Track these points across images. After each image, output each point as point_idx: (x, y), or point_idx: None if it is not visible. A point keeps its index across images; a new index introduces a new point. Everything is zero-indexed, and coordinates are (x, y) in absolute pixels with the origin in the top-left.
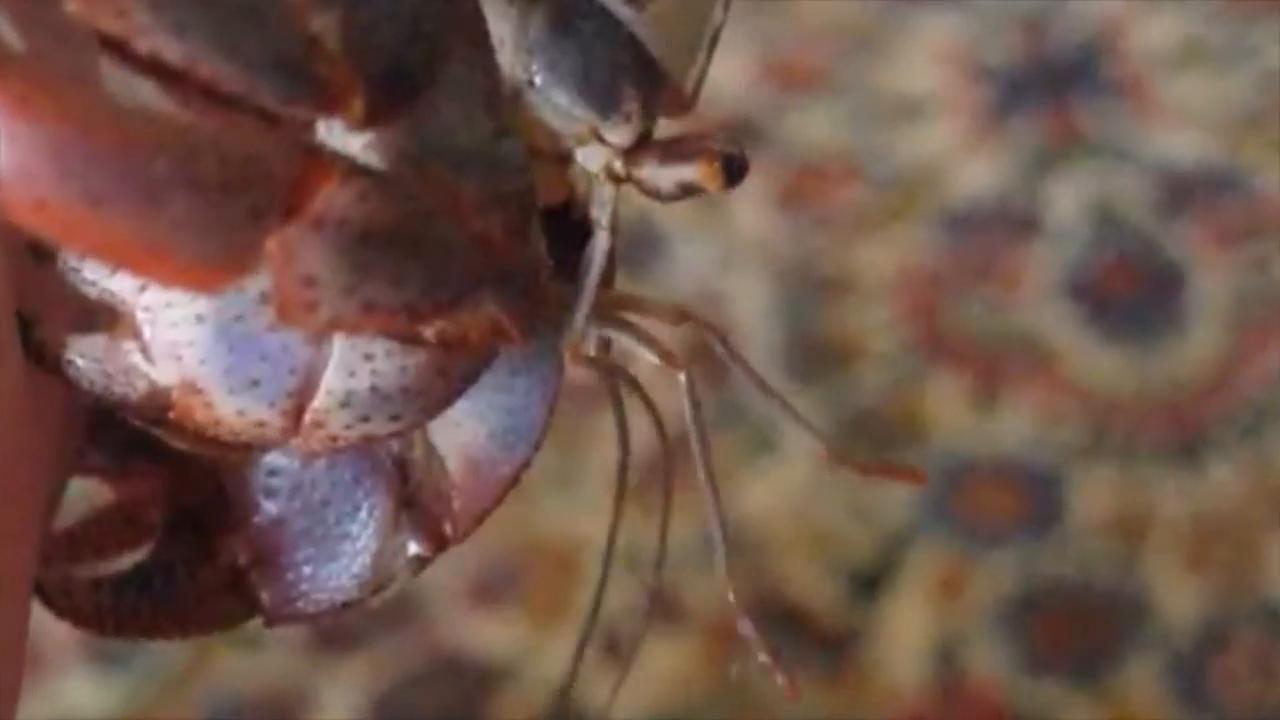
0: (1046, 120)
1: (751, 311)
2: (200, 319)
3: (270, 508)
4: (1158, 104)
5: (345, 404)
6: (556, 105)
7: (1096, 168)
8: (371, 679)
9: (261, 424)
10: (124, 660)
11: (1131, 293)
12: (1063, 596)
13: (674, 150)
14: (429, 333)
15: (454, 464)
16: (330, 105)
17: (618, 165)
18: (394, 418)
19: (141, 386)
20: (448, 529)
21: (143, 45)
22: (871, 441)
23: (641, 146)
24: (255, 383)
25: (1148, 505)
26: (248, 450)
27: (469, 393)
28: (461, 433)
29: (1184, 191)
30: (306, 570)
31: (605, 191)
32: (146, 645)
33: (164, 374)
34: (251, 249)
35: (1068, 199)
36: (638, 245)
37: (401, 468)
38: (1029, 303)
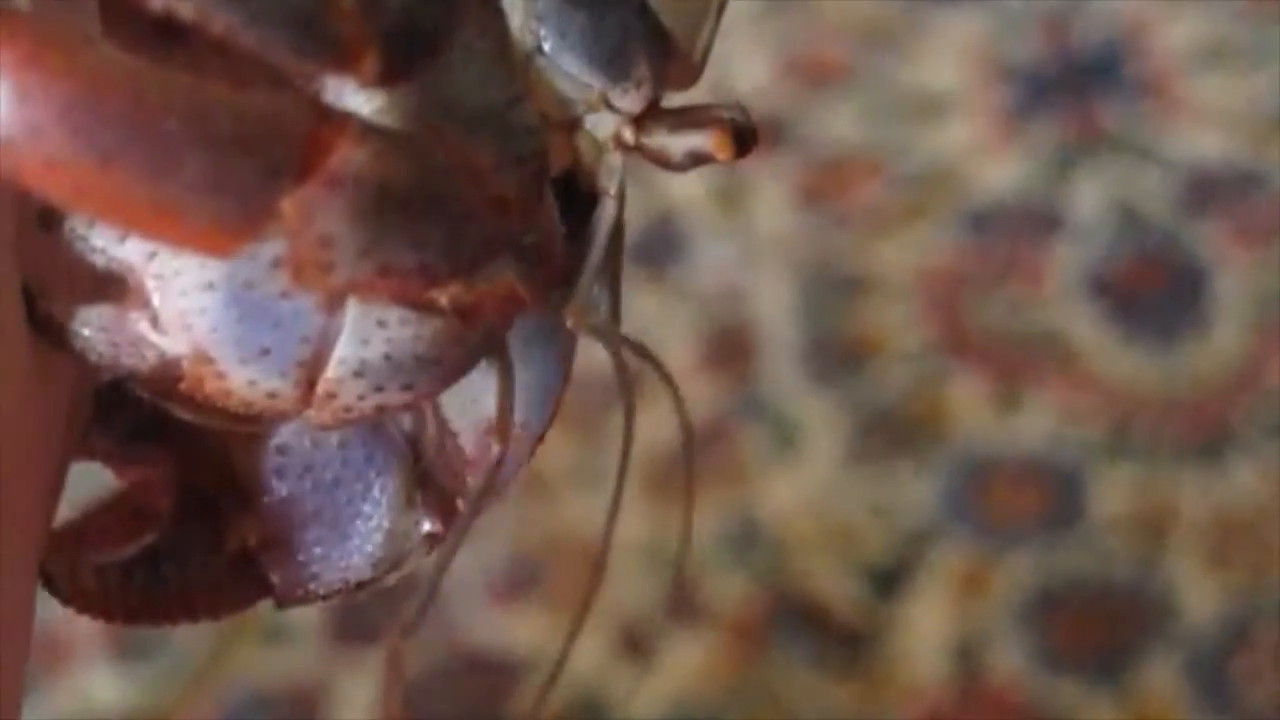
0: (1069, 119)
1: (773, 310)
2: (211, 286)
3: (281, 488)
4: (1181, 103)
5: (359, 373)
6: (565, 72)
7: (1119, 166)
8: None
9: (273, 394)
10: (146, 653)
11: (1154, 291)
12: (1084, 594)
13: (684, 119)
14: (444, 300)
15: (467, 439)
16: (344, 63)
17: (627, 133)
18: (407, 387)
19: (151, 357)
20: (461, 506)
21: (155, 1)
22: (892, 439)
23: (651, 114)
24: (267, 351)
25: (1169, 503)
26: (259, 423)
27: (482, 366)
28: (475, 408)
29: (1207, 190)
30: (318, 551)
31: (613, 160)
32: (168, 638)
33: (174, 344)
34: (266, 210)
35: (1090, 197)
36: (659, 243)
37: (414, 445)
38: (1051, 301)
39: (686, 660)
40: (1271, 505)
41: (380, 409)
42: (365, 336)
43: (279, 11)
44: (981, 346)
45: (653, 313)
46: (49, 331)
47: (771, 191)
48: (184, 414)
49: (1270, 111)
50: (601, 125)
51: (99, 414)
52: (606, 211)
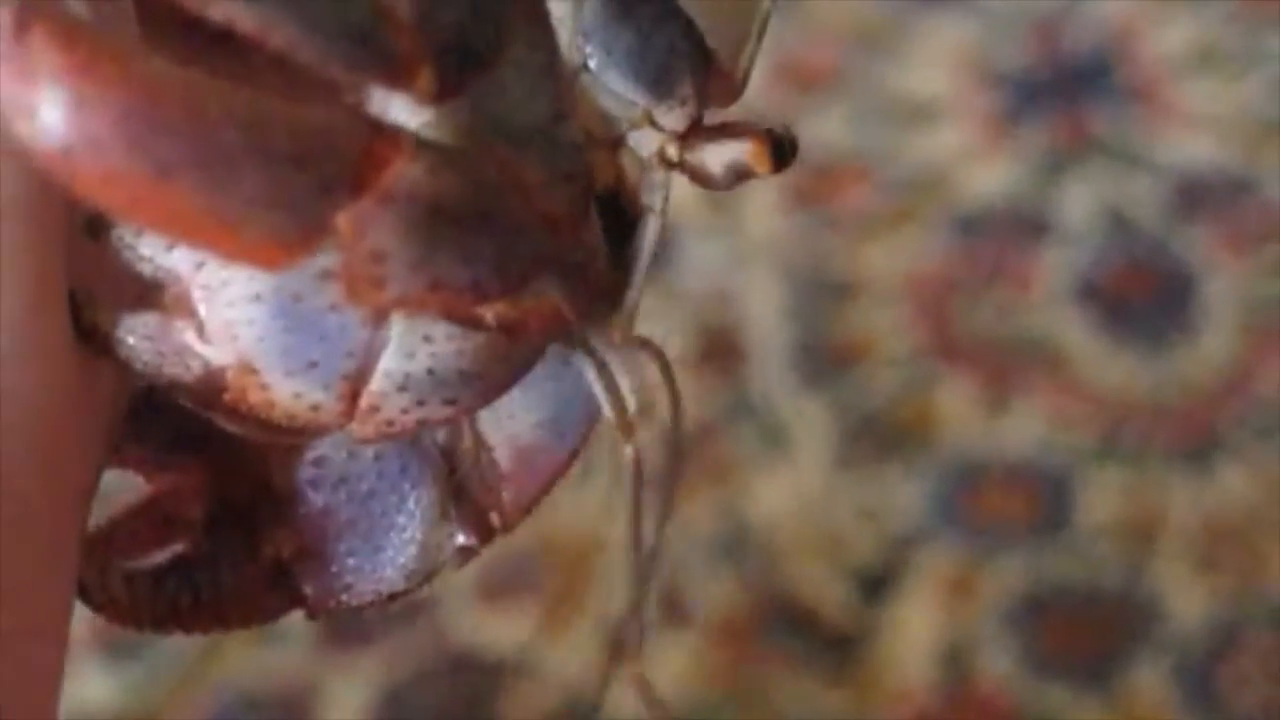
0: (1059, 124)
1: (762, 313)
2: (259, 298)
3: (316, 499)
4: (1171, 108)
5: (402, 387)
6: (611, 89)
7: (1109, 171)
8: (382, 674)
9: (317, 407)
10: (135, 653)
11: (1143, 297)
12: (1072, 599)
13: (723, 132)
14: (489, 316)
15: (503, 454)
16: (400, 78)
17: (671, 150)
18: (450, 402)
19: (196, 367)
20: (495, 520)
21: (216, 12)
22: (881, 443)
23: (693, 132)
24: (313, 364)
25: (1158, 508)
26: (301, 435)
27: (520, 381)
28: (512, 423)
29: (1196, 196)
30: (351, 562)
31: (656, 177)
32: (158, 638)
33: (219, 354)
34: (321, 225)
35: (1079, 202)
36: None
37: (449, 458)
38: (1040, 306)
39: (675, 663)
40: (1260, 510)
41: (422, 423)
42: (410, 350)
43: (335, 25)
44: (970, 351)
45: (642, 314)
46: (93, 339)
47: (761, 195)
48: (226, 425)
49: (1260, 117)
50: (645, 142)
51: (133, 423)
52: (651, 227)
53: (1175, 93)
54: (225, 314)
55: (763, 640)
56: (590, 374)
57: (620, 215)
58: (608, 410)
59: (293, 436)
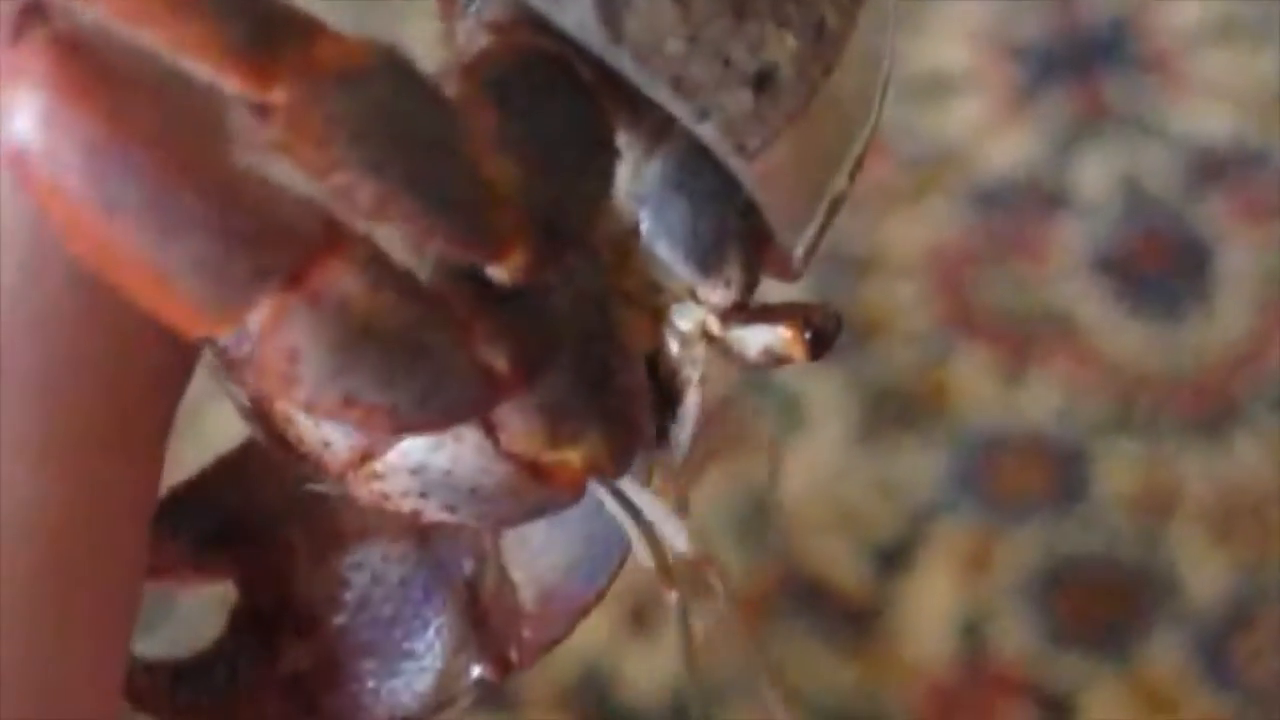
0: (1076, 96)
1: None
2: None
3: (338, 619)
4: (1187, 80)
5: (415, 472)
6: (658, 258)
7: (1126, 143)
8: None
9: (328, 444)
10: (150, 627)
11: (1159, 268)
12: (1088, 571)
13: (762, 315)
14: (524, 452)
15: (527, 593)
16: (494, 253)
17: (713, 325)
18: (449, 509)
19: (245, 349)
20: (513, 655)
21: (337, 180)
22: (899, 416)
23: (733, 312)
24: None
25: (1174, 480)
26: (299, 459)
27: (551, 519)
28: (539, 561)
29: (1213, 167)
30: (369, 684)
31: (697, 352)
32: (172, 608)
33: None
34: (243, 308)
35: (1097, 175)
36: None
37: (473, 589)
38: (1057, 278)
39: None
40: (1276, 482)
41: (414, 513)
42: (440, 442)
43: (437, 192)
44: (988, 323)
45: None
46: None
47: None
48: (241, 413)
49: (1276, 88)
50: (686, 315)
51: (167, 520)
52: (693, 401)
53: (1191, 64)
54: None
55: (780, 613)
56: (627, 523)
57: (666, 379)
58: (644, 557)
59: (290, 456)
